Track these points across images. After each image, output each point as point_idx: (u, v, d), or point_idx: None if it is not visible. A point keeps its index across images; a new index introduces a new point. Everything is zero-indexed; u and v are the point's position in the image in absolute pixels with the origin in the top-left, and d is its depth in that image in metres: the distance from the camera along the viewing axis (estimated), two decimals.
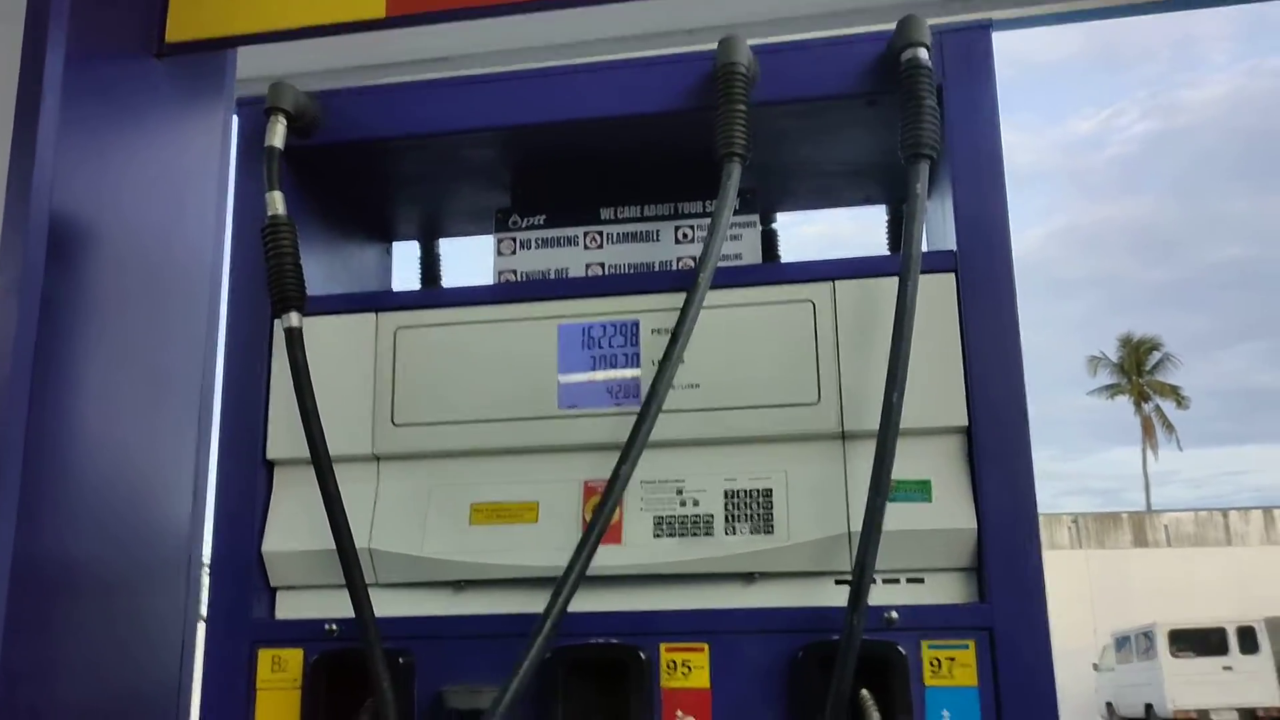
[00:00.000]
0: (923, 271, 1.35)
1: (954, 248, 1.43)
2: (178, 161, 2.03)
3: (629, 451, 1.31)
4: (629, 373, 1.46)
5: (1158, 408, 44.27)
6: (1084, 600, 24.49)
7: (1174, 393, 44.42)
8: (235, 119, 1.66)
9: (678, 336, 1.34)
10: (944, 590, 1.38)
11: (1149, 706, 19.19)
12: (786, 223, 1.89)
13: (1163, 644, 18.82)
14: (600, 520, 1.29)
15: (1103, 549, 29.39)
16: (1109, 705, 21.55)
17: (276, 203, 1.48)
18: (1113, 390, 45.43)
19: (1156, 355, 45.25)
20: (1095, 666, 21.79)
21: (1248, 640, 18.30)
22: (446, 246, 2.03)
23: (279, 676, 1.44)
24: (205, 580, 1.65)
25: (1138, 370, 44.86)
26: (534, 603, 1.43)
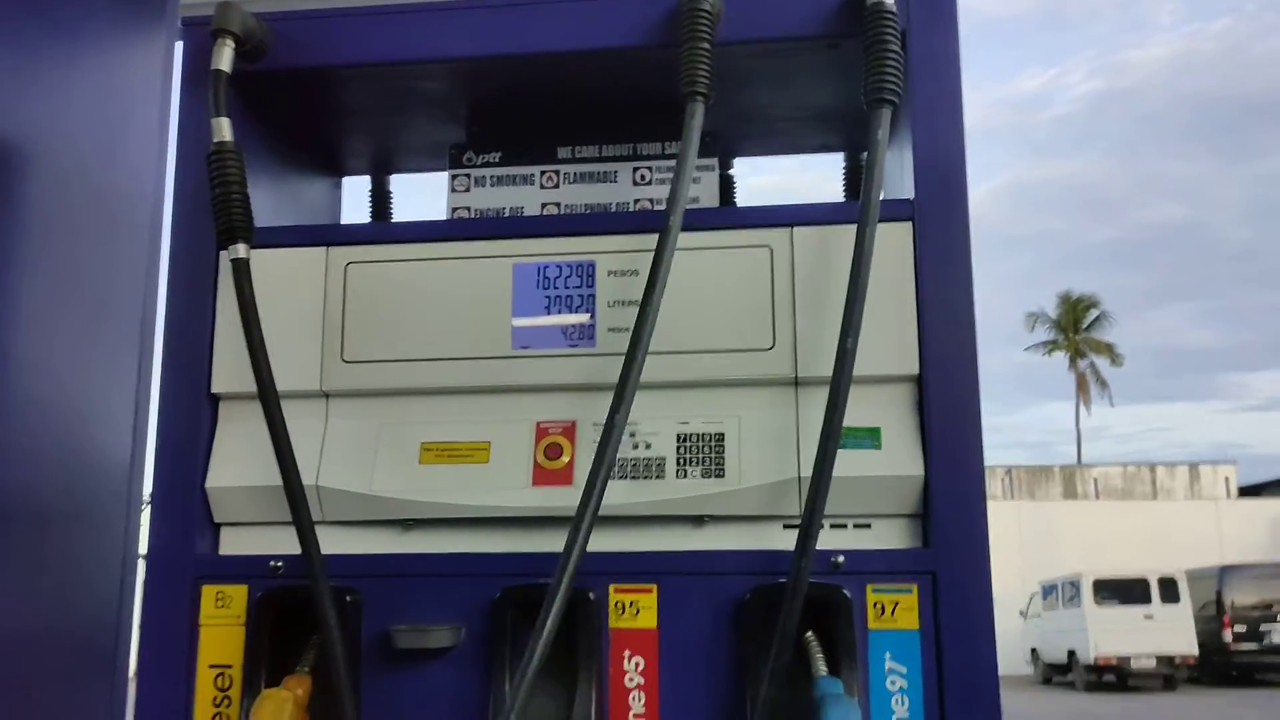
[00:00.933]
0: (880, 220, 1.35)
1: (910, 196, 1.43)
2: (119, 84, 1.96)
3: (619, 402, 1.30)
4: (584, 315, 1.45)
5: (1093, 364, 45.26)
6: (1013, 550, 25.15)
7: (1109, 350, 45.40)
8: (180, 41, 1.59)
9: (655, 282, 1.32)
10: (890, 536, 1.40)
11: (1072, 653, 19.84)
12: (740, 172, 1.88)
13: (1088, 593, 19.41)
14: (603, 469, 1.28)
15: (1033, 500, 30.17)
16: (1034, 651, 22.25)
17: (223, 129, 1.43)
18: (1050, 346, 46.30)
19: (1094, 313, 46.16)
20: (1022, 614, 22.44)
21: (1169, 590, 18.94)
22: (397, 183, 1.99)
23: (223, 613, 1.42)
24: (146, 516, 1.62)
25: (1075, 327, 45.74)
26: (483, 543, 1.43)
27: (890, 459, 1.38)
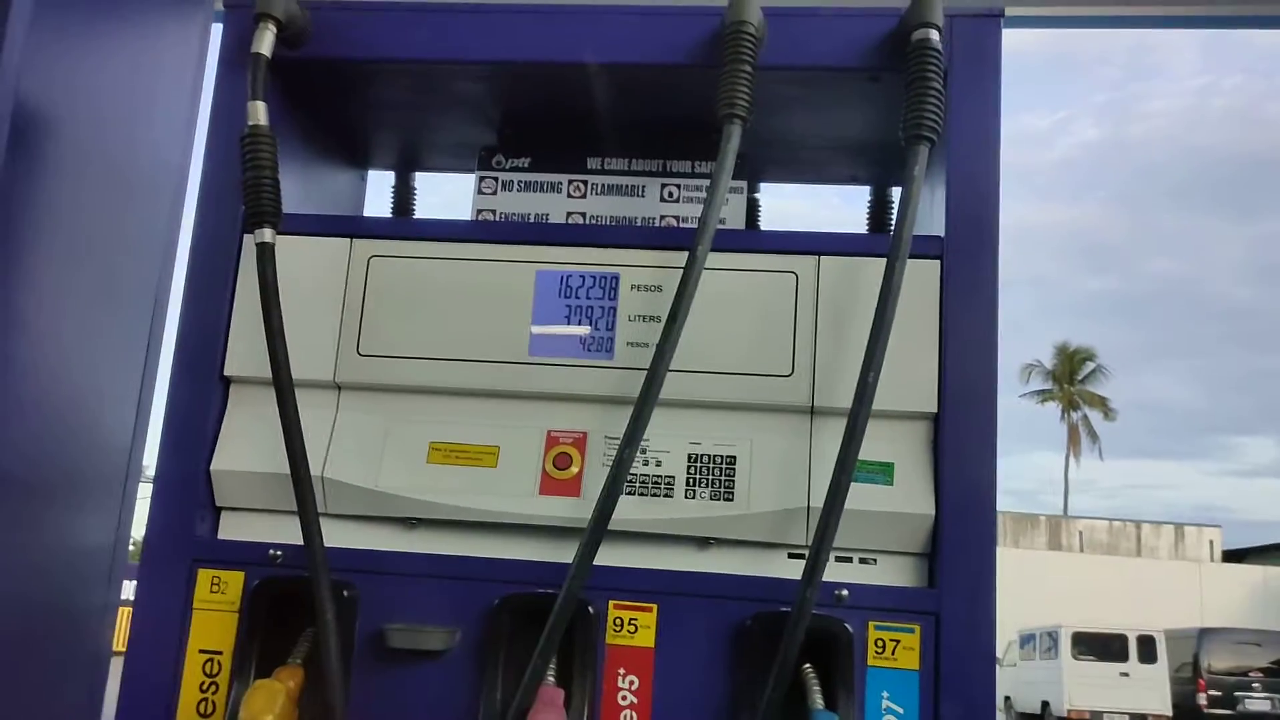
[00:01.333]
0: (910, 256, 1.34)
1: (939, 234, 1.43)
2: (151, 61, 1.96)
3: (633, 433, 1.29)
4: (604, 327, 1.44)
5: (1085, 416, 45.31)
6: None
7: (1102, 403, 45.49)
8: (220, 22, 1.59)
9: (676, 314, 1.31)
10: (895, 573, 1.39)
11: (1045, 704, 19.78)
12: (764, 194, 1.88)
13: (1065, 645, 19.37)
14: (614, 485, 1.29)
15: (1017, 548, 30.14)
16: (1007, 699, 22.18)
17: (259, 113, 1.43)
18: (1044, 396, 46.38)
19: (1090, 365, 46.26)
20: (998, 661, 22.39)
21: (1147, 649, 18.91)
22: (420, 180, 1.98)
23: (217, 598, 1.41)
24: (142, 496, 1.61)
25: (1070, 379, 45.82)
26: (486, 547, 1.42)
27: (902, 496, 1.37)
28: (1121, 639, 19.16)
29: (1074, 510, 41.85)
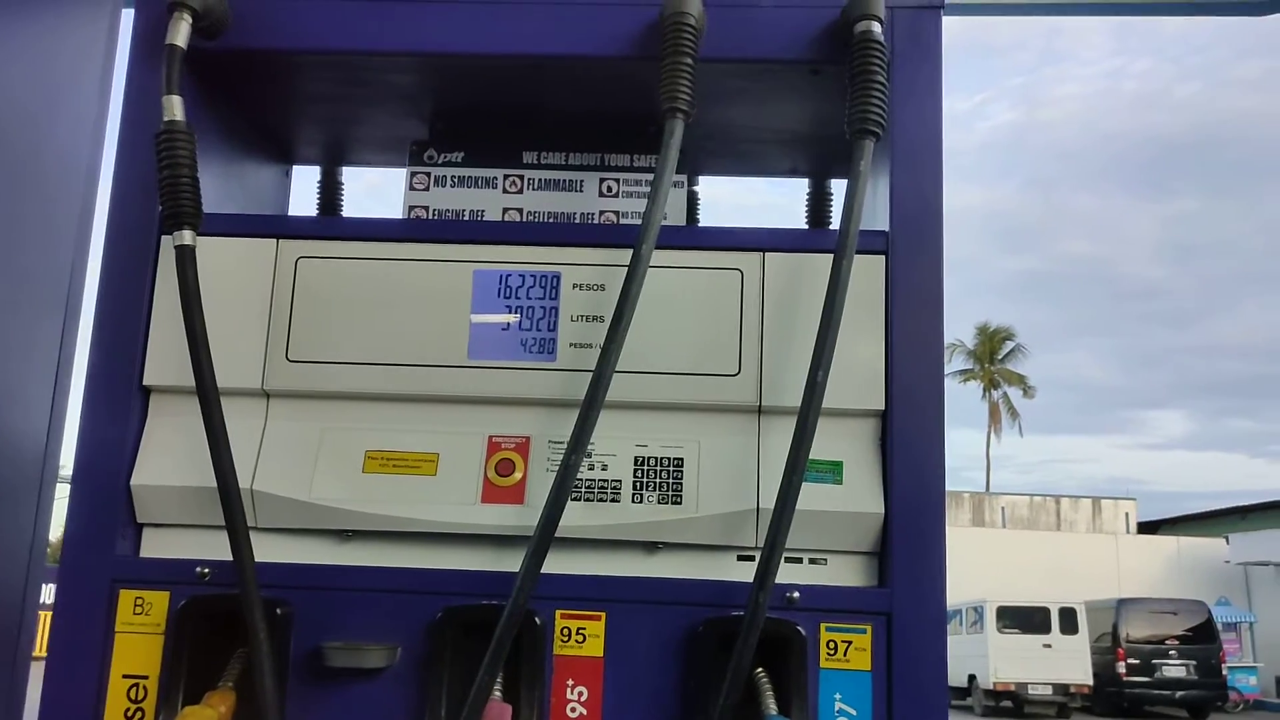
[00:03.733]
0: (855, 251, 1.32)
1: (884, 228, 1.41)
2: (55, 52, 1.85)
3: (578, 439, 1.26)
4: (545, 328, 1.40)
5: (1005, 395, 46.33)
6: None
7: (1021, 381, 46.54)
8: (131, 9, 1.50)
9: (621, 315, 1.28)
10: (845, 572, 1.37)
11: (972, 677, 20.20)
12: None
13: (990, 619, 19.79)
14: (560, 493, 1.25)
15: None
16: None
17: (175, 108, 1.35)
18: (965, 375, 47.30)
19: (1009, 345, 47.29)
20: None
21: (1069, 621, 19.40)
22: (347, 175, 1.91)
23: (141, 619, 1.34)
24: (60, 497, 1.52)
25: (990, 358, 46.80)
26: (426, 558, 1.37)
27: (851, 495, 1.35)
28: (1044, 611, 19.64)
29: (996, 486, 42.86)
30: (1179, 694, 19.02)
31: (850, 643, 1.32)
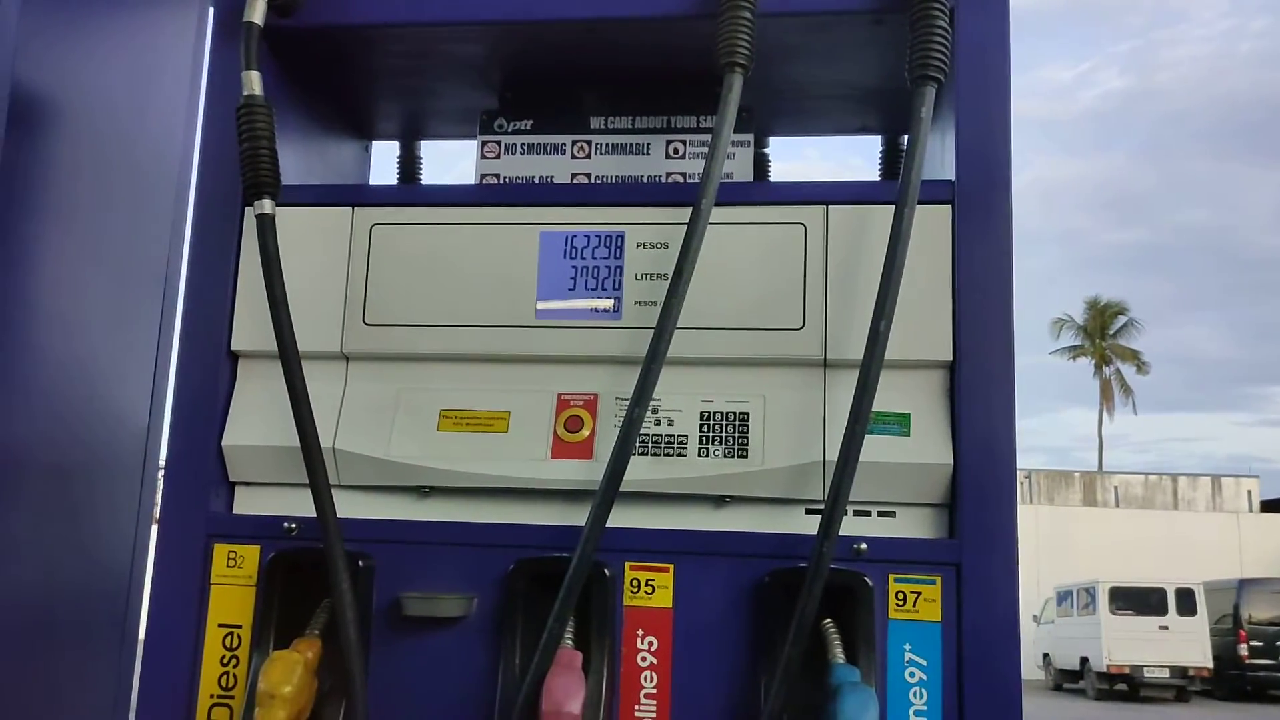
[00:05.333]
0: (919, 201, 1.31)
1: (951, 178, 1.40)
2: (150, 37, 1.95)
3: (641, 393, 1.29)
4: (610, 287, 1.42)
5: (1118, 371, 44.83)
6: (1030, 554, 24.96)
7: (1135, 357, 44.95)
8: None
9: (682, 270, 1.30)
10: (915, 525, 1.37)
11: (1085, 660, 19.70)
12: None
13: (1103, 600, 19.25)
14: (625, 445, 1.29)
15: (1052, 505, 29.96)
16: (1045, 656, 22.11)
17: (253, 83, 1.41)
18: (1075, 351, 45.89)
19: (1121, 319, 45.70)
20: (1035, 619, 22.31)
21: (1186, 602, 18.76)
22: (427, 149, 1.97)
23: (234, 572, 1.41)
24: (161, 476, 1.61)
25: (1102, 333, 45.31)
26: (499, 513, 1.41)
27: (919, 446, 1.35)
28: (1160, 592, 19.02)
29: (1109, 466, 41.54)
30: None
31: (920, 594, 1.31)
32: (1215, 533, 26.93)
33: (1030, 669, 22.42)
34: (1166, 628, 18.62)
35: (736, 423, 1.38)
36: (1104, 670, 18.83)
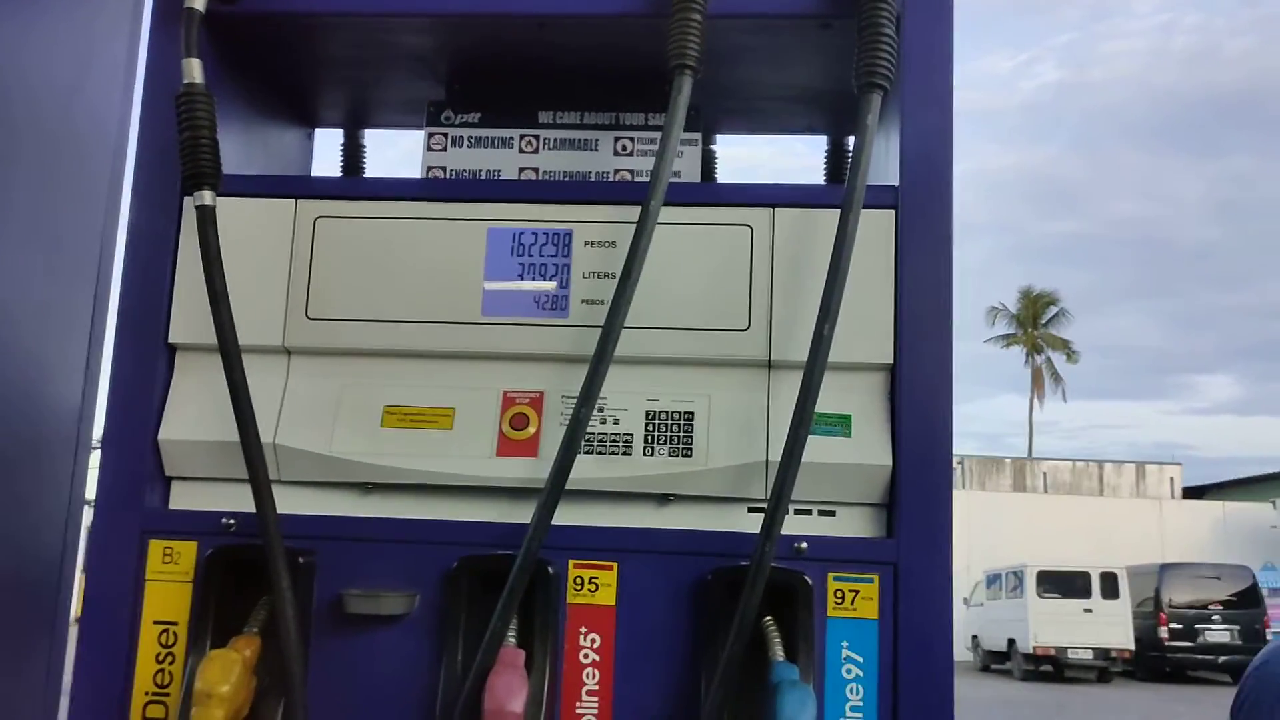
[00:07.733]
0: (864, 206, 1.33)
1: (894, 183, 1.42)
2: (83, 22, 1.89)
3: (588, 392, 1.29)
4: (557, 285, 1.42)
5: (1049, 360, 45.82)
6: (961, 538, 25.37)
7: (1065, 346, 45.99)
8: None
9: (630, 271, 1.30)
10: (854, 524, 1.39)
11: (1012, 641, 20.18)
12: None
13: (1031, 584, 19.73)
14: (571, 443, 1.29)
15: (983, 490, 30.59)
16: (974, 638, 22.61)
17: (193, 70, 1.38)
18: (1008, 340, 46.81)
19: (1053, 309, 46.68)
20: (965, 601, 22.78)
21: (1109, 585, 19.30)
22: (371, 138, 1.94)
23: (170, 568, 1.39)
24: (94, 462, 1.58)
25: (1034, 322, 46.24)
26: (443, 510, 1.40)
27: (859, 448, 1.37)
28: (1085, 576, 19.54)
29: (1038, 452, 42.46)
30: (1221, 659, 18.86)
31: (858, 592, 1.34)
32: (1139, 518, 27.70)
33: (959, 650, 22.90)
34: (1091, 610, 19.14)
35: (681, 422, 1.40)
36: (1030, 652, 19.31)
